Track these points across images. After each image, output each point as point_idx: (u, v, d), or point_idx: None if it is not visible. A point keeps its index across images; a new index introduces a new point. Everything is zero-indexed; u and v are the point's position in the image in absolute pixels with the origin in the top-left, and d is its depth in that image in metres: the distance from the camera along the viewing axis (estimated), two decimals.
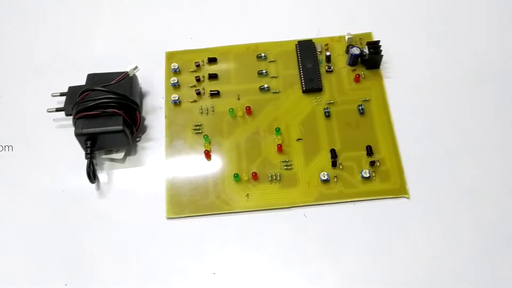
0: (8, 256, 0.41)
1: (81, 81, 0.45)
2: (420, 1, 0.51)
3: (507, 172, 0.42)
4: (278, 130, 0.44)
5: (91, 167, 0.42)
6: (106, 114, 0.42)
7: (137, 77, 0.46)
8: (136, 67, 0.44)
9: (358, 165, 0.42)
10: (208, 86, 0.47)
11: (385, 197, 0.41)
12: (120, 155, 0.44)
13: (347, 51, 0.47)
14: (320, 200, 0.41)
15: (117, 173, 0.44)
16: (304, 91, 0.46)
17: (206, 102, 0.46)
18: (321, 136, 0.44)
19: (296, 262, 0.39)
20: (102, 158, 0.44)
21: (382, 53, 0.46)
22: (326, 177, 0.42)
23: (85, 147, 0.42)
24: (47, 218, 0.42)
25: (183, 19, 0.51)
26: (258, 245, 0.40)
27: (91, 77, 0.45)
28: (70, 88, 0.45)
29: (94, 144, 0.42)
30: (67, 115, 0.45)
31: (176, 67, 0.47)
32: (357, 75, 0.46)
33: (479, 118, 0.44)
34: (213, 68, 0.48)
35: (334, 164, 0.42)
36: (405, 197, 0.41)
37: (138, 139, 0.45)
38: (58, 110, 0.45)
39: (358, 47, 0.46)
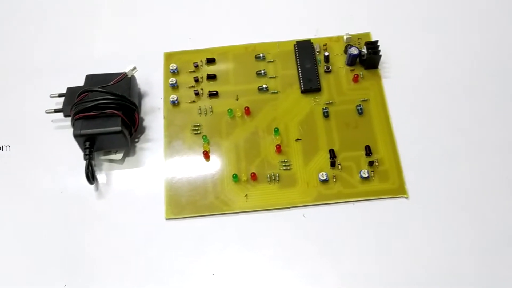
0: (7, 257, 0.41)
1: (80, 82, 0.45)
2: (418, 0, 0.51)
3: (505, 171, 0.42)
4: (276, 131, 0.44)
5: (90, 168, 0.42)
6: (104, 115, 0.42)
7: (135, 78, 0.46)
8: (134, 68, 0.44)
9: (357, 165, 0.42)
10: (207, 86, 0.47)
11: (384, 197, 0.41)
12: (118, 156, 0.44)
13: (345, 51, 0.47)
14: (319, 200, 0.41)
15: (116, 174, 0.44)
16: (302, 91, 0.46)
17: (205, 102, 0.46)
18: (320, 136, 0.44)
19: (295, 262, 0.39)
20: (101, 159, 0.44)
21: (380, 53, 0.46)
22: (325, 177, 0.42)
23: (83, 148, 0.42)
24: (46, 219, 0.42)
25: (182, 19, 0.51)
26: (257, 245, 0.40)
27: (90, 78, 0.45)
28: (69, 89, 0.45)
29: (92, 145, 0.42)
30: (65, 116, 0.45)
31: (175, 67, 0.47)
32: (355, 75, 0.46)
33: (478, 117, 0.44)
34: (211, 69, 0.48)
35: (333, 164, 0.42)
36: (404, 197, 0.41)
37: (136, 140, 0.45)
38: (56, 111, 0.45)
39: (356, 47, 0.46)
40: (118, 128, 0.41)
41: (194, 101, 0.46)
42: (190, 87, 0.47)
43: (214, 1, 0.52)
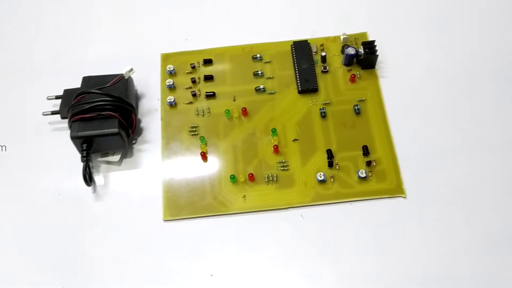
0: (5, 258, 0.41)
1: (77, 83, 0.45)
2: (415, 0, 0.51)
3: (503, 171, 0.42)
4: (274, 131, 0.44)
5: (87, 170, 0.42)
6: (101, 117, 0.42)
7: (132, 79, 0.46)
8: (131, 69, 0.44)
9: (355, 165, 0.43)
10: (204, 87, 0.47)
11: (381, 197, 0.41)
12: (116, 157, 0.44)
13: (342, 51, 0.47)
14: (317, 200, 0.41)
15: (113, 176, 0.44)
16: (299, 92, 0.46)
17: (202, 103, 0.46)
18: (317, 136, 0.44)
19: (294, 263, 0.39)
20: (98, 161, 0.44)
21: (377, 53, 0.46)
22: (322, 178, 0.42)
23: (81, 150, 0.42)
24: (43, 221, 0.42)
25: (178, 20, 0.51)
26: (255, 246, 0.40)
27: (87, 80, 0.44)
28: (66, 91, 0.45)
29: (90, 146, 0.42)
30: (62, 118, 0.45)
31: (172, 68, 0.47)
32: (352, 75, 0.46)
33: (475, 117, 0.45)
34: (208, 70, 0.48)
35: (330, 165, 0.42)
36: (402, 196, 0.41)
37: (134, 141, 0.45)
38: (53, 113, 0.45)
39: (353, 47, 0.46)
40: (115, 130, 0.41)
41: (191, 102, 0.46)
42: (187, 88, 0.47)
43: (211, 2, 0.52)
